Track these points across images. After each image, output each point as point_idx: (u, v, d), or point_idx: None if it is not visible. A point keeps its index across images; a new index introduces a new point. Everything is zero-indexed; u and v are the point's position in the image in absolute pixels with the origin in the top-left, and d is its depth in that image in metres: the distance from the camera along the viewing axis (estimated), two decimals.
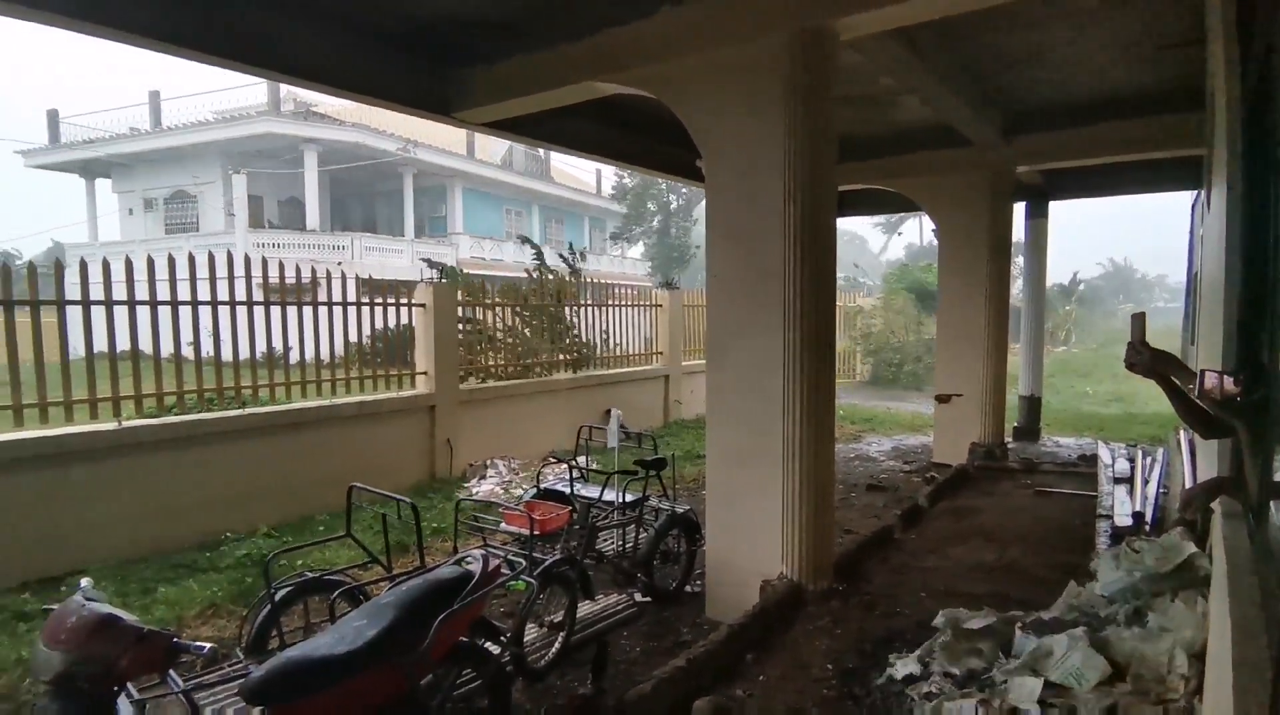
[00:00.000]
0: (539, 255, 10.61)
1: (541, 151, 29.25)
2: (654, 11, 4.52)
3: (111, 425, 5.47)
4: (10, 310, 5.13)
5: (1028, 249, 11.54)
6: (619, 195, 33.02)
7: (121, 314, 5.72)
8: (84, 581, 2.41)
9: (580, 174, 35.72)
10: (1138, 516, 5.32)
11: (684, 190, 32.22)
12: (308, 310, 7.02)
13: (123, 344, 5.74)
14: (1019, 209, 10.10)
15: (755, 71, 4.22)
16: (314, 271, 7.30)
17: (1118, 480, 6.43)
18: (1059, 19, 5.14)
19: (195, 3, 4.29)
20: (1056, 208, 10.96)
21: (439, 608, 2.52)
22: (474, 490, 7.36)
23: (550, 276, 10.26)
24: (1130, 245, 75.47)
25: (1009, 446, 9.13)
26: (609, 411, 9.72)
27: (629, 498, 4.74)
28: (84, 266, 5.66)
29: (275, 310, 6.76)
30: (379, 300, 7.65)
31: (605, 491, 4.74)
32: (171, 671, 2.60)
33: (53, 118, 24.56)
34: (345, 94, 5.44)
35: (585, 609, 3.84)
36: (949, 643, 3.33)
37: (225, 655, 3.56)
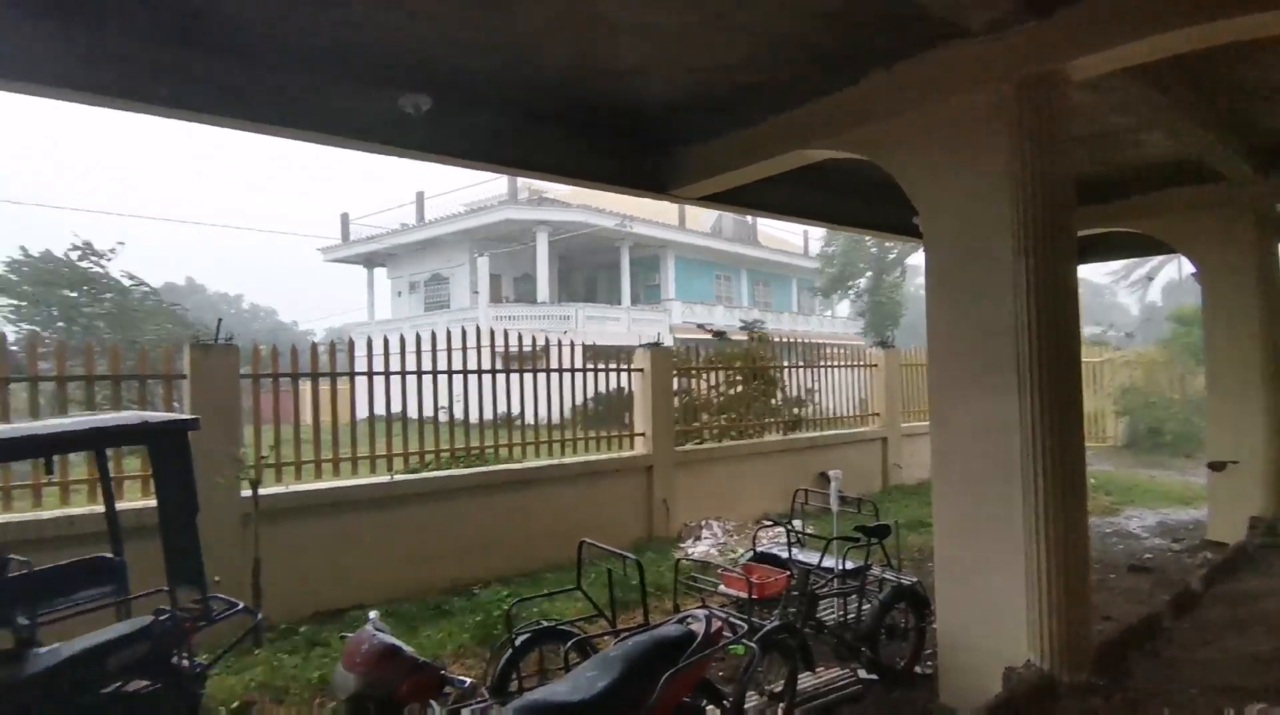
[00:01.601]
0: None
1: (749, 217, 29.86)
2: (862, 78, 4.56)
3: (385, 478, 6.37)
4: (315, 381, 6.24)
5: None
6: (824, 257, 32.53)
7: (391, 381, 6.71)
8: (372, 614, 2.83)
9: (787, 236, 35.83)
10: None
11: (896, 245, 30.98)
12: (540, 376, 7.72)
13: (392, 407, 6.71)
14: None
15: (975, 123, 4.06)
16: (546, 340, 8.04)
17: None
18: None
19: (462, 123, 5.05)
20: None
21: (664, 665, 2.60)
22: (689, 551, 7.46)
23: (756, 335, 10.32)
24: None
25: None
26: (823, 474, 9.43)
27: (849, 565, 4.56)
28: (352, 342, 6.75)
29: (512, 377, 7.52)
30: (600, 365, 8.20)
31: (824, 558, 4.60)
32: (432, 702, 2.93)
33: (344, 220, 29.72)
34: (573, 182, 6.09)
35: (806, 680, 3.73)
36: None
37: (469, 694, 3.91)
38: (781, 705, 3.74)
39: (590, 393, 8.18)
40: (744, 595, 4.05)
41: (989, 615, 4.02)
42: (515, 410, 7.69)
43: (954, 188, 4.22)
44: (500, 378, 7.45)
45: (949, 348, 4.31)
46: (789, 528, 4.72)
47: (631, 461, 7.98)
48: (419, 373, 6.85)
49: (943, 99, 4.20)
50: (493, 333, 7.59)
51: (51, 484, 5.05)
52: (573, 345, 8.21)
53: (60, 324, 17.79)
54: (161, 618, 3.13)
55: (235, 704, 4.01)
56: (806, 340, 11.14)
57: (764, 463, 9.33)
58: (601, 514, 7.48)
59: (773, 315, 29.42)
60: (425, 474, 6.75)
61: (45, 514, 4.88)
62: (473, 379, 7.24)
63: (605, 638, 3.84)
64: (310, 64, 4.31)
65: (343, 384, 6.58)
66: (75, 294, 18.53)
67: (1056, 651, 3.79)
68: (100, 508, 3.81)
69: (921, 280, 4.80)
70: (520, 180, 23.89)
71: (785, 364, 10.38)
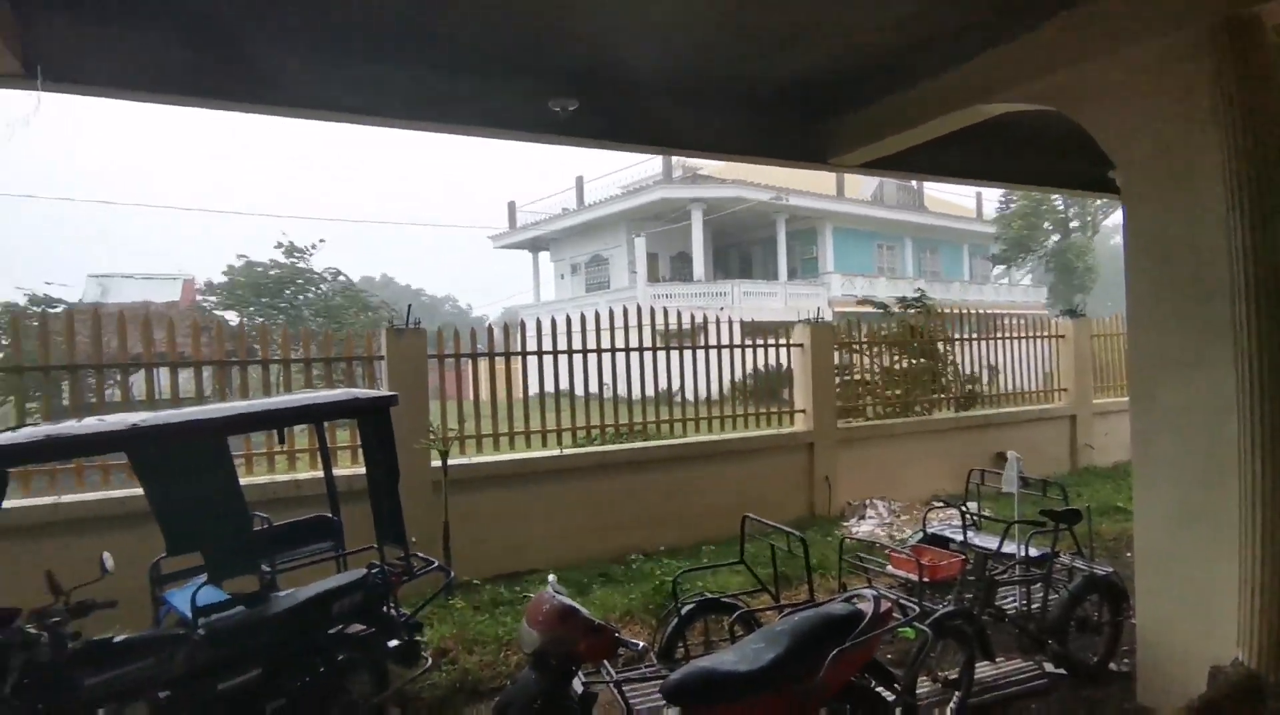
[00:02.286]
0: (881, 307, 10.15)
1: (914, 182, 28.16)
2: (1045, 22, 4.15)
3: (554, 452, 6.75)
4: (492, 361, 6.73)
5: None
6: (1002, 220, 29.87)
7: (559, 360, 7.07)
8: (551, 578, 3.05)
9: (958, 200, 33.40)
10: None
11: (1087, 203, 27.94)
12: (698, 353, 7.80)
13: (559, 384, 7.08)
14: None
15: (1177, 66, 3.59)
16: (704, 317, 8.11)
17: None
18: None
19: (626, 106, 5.18)
20: None
21: (830, 642, 2.59)
22: (853, 530, 7.29)
23: (914, 311, 9.75)
24: None
25: None
26: (1001, 454, 8.79)
27: (1033, 552, 4.25)
28: (523, 324, 7.16)
29: (671, 354, 7.66)
30: (758, 341, 8.14)
31: (1004, 543, 4.33)
32: (605, 662, 3.11)
33: (511, 208, 31.44)
34: (729, 158, 6.05)
35: (984, 670, 3.55)
36: None
37: (639, 658, 4.10)
38: (957, 693, 3.60)
39: (748, 369, 8.15)
40: (914, 578, 3.91)
41: (1197, 611, 3.62)
42: (674, 387, 7.84)
43: (1155, 137, 3.76)
44: (659, 355, 7.62)
45: (1152, 315, 3.87)
46: (963, 510, 4.48)
47: (792, 438, 7.89)
48: (584, 351, 7.16)
49: (1138, 41, 3.75)
50: (651, 311, 7.75)
51: (281, 452, 5.84)
52: (730, 322, 8.21)
53: (274, 313, 20.40)
54: (373, 571, 3.56)
55: (433, 651, 4.47)
56: (980, 311, 10.34)
57: (933, 441, 8.87)
58: (761, 490, 7.47)
59: (941, 285, 27.64)
60: (591, 448, 7.08)
61: (278, 478, 5.66)
62: (633, 356, 7.45)
63: (769, 612, 3.87)
64: (482, 67, 4.63)
65: (514, 363, 7.03)
66: (286, 291, 21.21)
67: (1267, 650, 3.35)
68: (319, 473, 4.36)
69: (1117, 240, 4.31)
70: (674, 159, 24.08)
71: (956, 337, 9.73)
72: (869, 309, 11.20)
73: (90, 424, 2.96)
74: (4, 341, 6.18)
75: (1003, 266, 32.22)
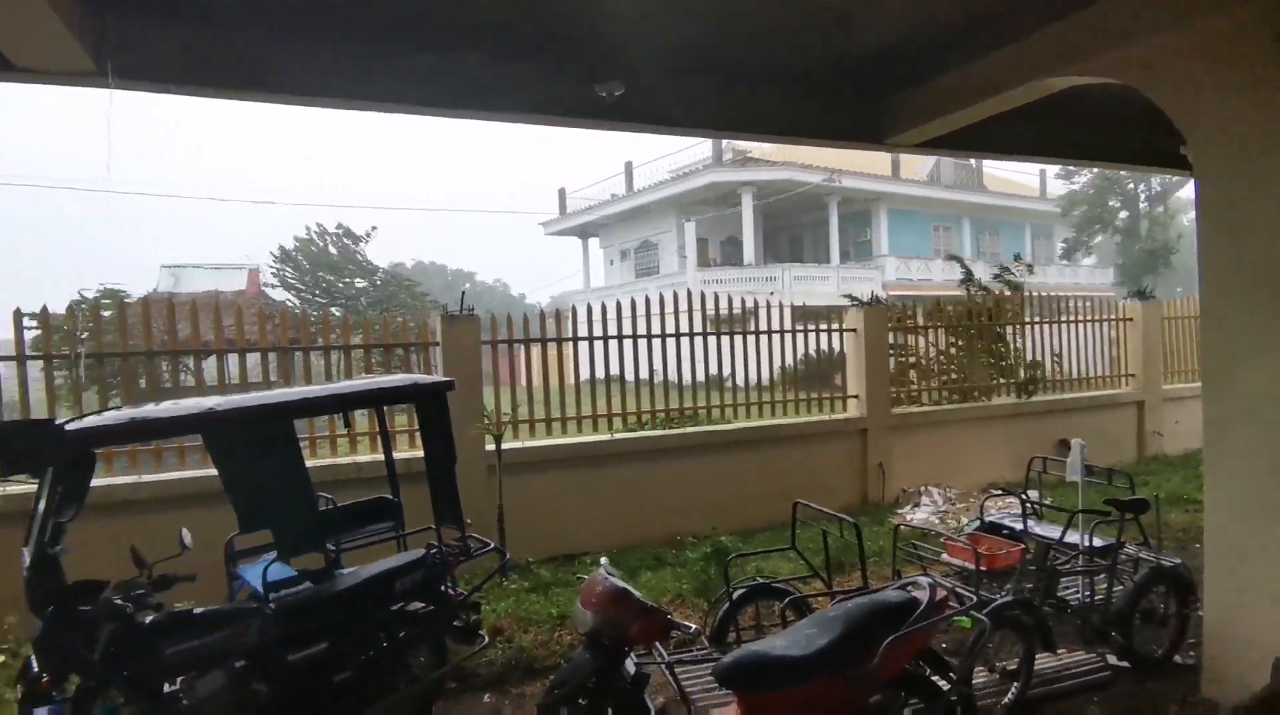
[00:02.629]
0: (968, 275, 9.84)
1: (973, 161, 27.24)
2: None
3: (606, 437, 6.82)
4: (544, 347, 6.81)
5: None
6: (1066, 200, 28.58)
7: (609, 346, 7.11)
8: (603, 560, 3.10)
9: (1020, 178, 32.19)
10: None
11: (1159, 181, 26.64)
12: (748, 338, 7.75)
13: (610, 370, 7.13)
14: None
15: (1252, 37, 3.39)
16: (755, 302, 8.04)
17: None
18: None
19: (673, 89, 5.16)
20: None
21: (884, 630, 2.57)
22: (908, 517, 7.17)
23: (982, 293, 9.47)
24: None
25: None
26: (1063, 441, 8.52)
27: (1098, 542, 4.13)
28: (574, 310, 7.22)
29: (721, 339, 7.62)
30: (810, 326, 8.04)
31: (1066, 532, 4.20)
32: (657, 644, 3.15)
33: (561, 194, 31.61)
34: (780, 140, 5.96)
35: (1045, 661, 3.47)
36: None
37: (691, 641, 4.13)
38: (1016, 684, 3.53)
39: (799, 354, 8.07)
40: (970, 566, 3.84)
41: (1264, 604, 3.49)
42: (724, 372, 7.81)
43: (1231, 110, 3.57)
44: (709, 340, 7.59)
45: (1227, 297, 3.69)
46: (1024, 498, 4.37)
47: (844, 424, 7.79)
48: (634, 337, 7.18)
49: (1211, 10, 3.55)
50: (701, 296, 7.72)
51: (343, 435, 6.04)
52: (780, 306, 8.13)
53: (334, 294, 21.13)
54: (431, 551, 3.67)
55: (489, 629, 4.59)
56: (1044, 293, 9.99)
57: (992, 428, 8.64)
58: (813, 476, 7.41)
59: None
60: (642, 433, 7.12)
61: (340, 460, 5.87)
62: (683, 342, 7.44)
63: (821, 598, 3.85)
64: (530, 54, 4.67)
65: (564, 348, 7.10)
66: (338, 280, 21.90)
67: None
68: (380, 456, 4.50)
69: (1189, 217, 4.12)
70: (724, 142, 23.81)
71: (1020, 321, 9.42)
72: (926, 293, 10.93)
73: (167, 408, 3.11)
74: (88, 330, 6.52)
75: (1071, 251, 30.90)
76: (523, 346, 6.85)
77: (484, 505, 5.70)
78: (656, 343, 7.28)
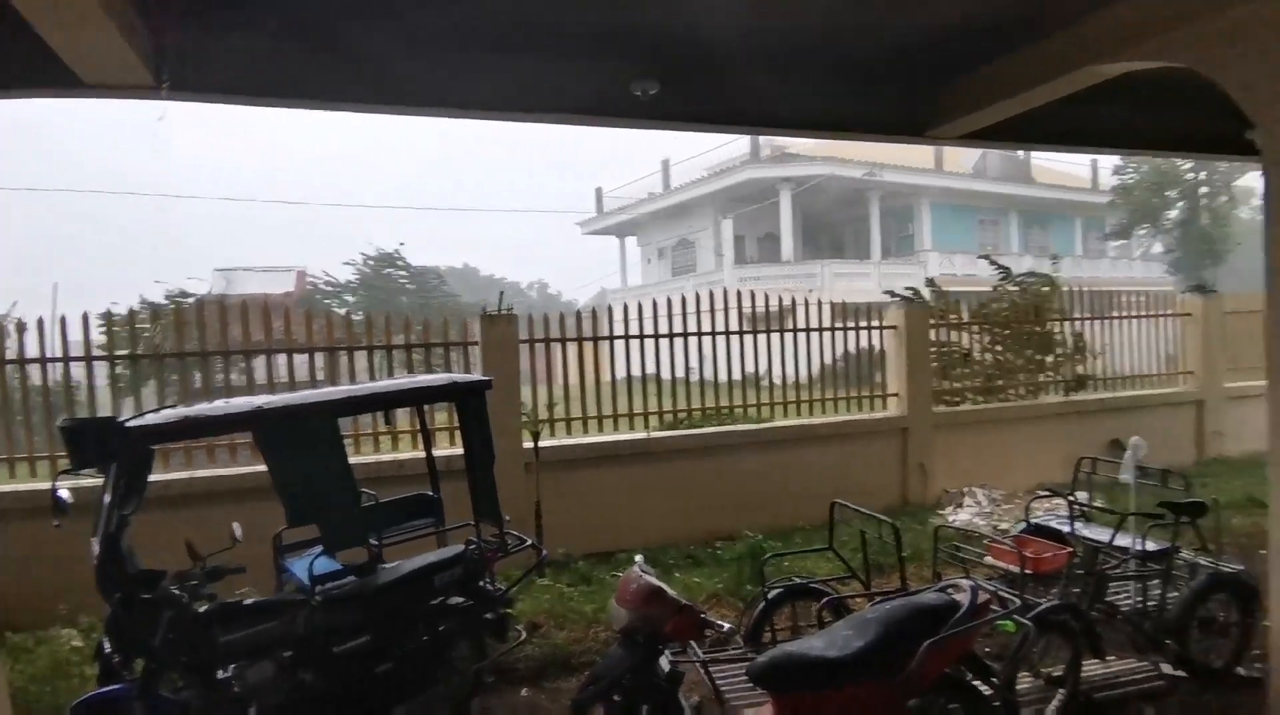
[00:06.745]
0: (1005, 274, 9.50)
1: (1021, 152, 26.53)
2: None
3: (642, 435, 6.83)
4: (581, 346, 6.86)
5: None
6: (1121, 189, 27.56)
7: (646, 344, 7.12)
8: (638, 557, 3.10)
9: (1071, 169, 31.18)
10: None
11: (1221, 168, 25.54)
12: (786, 336, 7.68)
13: (646, 368, 7.14)
14: None
15: None
16: (792, 300, 7.97)
17: None
18: None
19: (709, 85, 5.13)
20: None
21: (924, 633, 2.52)
22: (950, 518, 7.03)
23: (1021, 289, 9.18)
24: None
25: None
26: (1116, 442, 8.25)
27: (1151, 546, 3.99)
28: (611, 309, 7.24)
29: (759, 337, 7.56)
30: (849, 324, 7.93)
31: (1117, 535, 4.07)
32: (692, 642, 3.15)
33: (598, 193, 31.76)
34: (819, 134, 5.88)
35: (1093, 668, 3.37)
36: None
37: (726, 640, 4.12)
38: (1061, 691, 3.44)
39: (839, 352, 7.97)
40: (1015, 569, 3.75)
41: None
42: (762, 370, 7.75)
43: None
44: (746, 338, 7.54)
45: None
46: (1071, 500, 4.24)
47: (885, 423, 7.67)
48: (670, 335, 7.18)
49: None
50: (739, 294, 7.67)
51: (385, 433, 6.17)
52: (819, 304, 8.03)
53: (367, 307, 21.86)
54: (470, 547, 3.73)
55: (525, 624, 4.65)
56: (1094, 287, 9.69)
57: (1039, 427, 8.41)
58: (852, 476, 7.30)
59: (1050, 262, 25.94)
60: (679, 431, 7.11)
61: (382, 457, 5.99)
62: (720, 340, 7.41)
63: (859, 600, 3.80)
64: (566, 54, 4.68)
65: (601, 347, 7.14)
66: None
67: None
68: (420, 453, 4.58)
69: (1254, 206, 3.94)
70: (762, 138, 23.60)
71: (1069, 317, 9.15)
72: (971, 289, 10.69)
73: (219, 406, 3.23)
74: (147, 332, 6.80)
75: (1119, 241, 29.86)
76: (560, 345, 6.90)
77: (522, 502, 5.76)
78: (693, 341, 7.26)
